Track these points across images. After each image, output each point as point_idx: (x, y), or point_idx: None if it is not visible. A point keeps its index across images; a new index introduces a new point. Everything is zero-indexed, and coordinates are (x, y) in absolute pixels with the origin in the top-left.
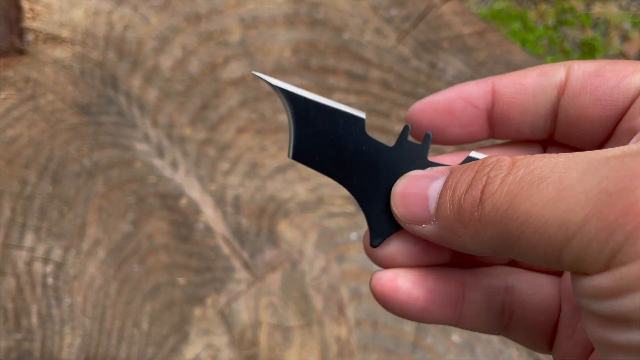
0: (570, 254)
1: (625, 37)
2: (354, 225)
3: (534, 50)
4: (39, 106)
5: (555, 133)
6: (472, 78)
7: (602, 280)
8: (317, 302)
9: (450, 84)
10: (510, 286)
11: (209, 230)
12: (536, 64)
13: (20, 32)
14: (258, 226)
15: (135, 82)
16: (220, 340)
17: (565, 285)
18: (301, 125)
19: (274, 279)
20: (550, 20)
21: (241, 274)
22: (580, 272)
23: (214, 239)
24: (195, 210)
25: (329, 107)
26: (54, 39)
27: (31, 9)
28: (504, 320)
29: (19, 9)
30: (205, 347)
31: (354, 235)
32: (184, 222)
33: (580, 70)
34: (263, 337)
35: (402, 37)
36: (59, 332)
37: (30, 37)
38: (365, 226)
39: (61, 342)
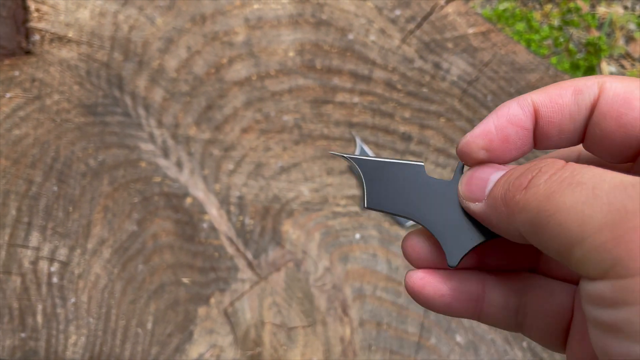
0: (579, 252)
1: (630, 38)
2: (358, 225)
3: (539, 50)
4: (45, 106)
5: (584, 143)
6: (476, 79)
7: (603, 288)
8: (321, 302)
9: (454, 84)
10: (526, 289)
11: (213, 230)
12: (541, 64)
13: (27, 33)
14: (262, 226)
15: (141, 83)
16: (224, 340)
17: (579, 295)
18: (371, 180)
19: (278, 279)
20: (556, 21)
21: (245, 274)
22: (583, 273)
23: (218, 239)
24: (200, 210)
25: (395, 163)
26: (60, 40)
27: (37, 10)
28: (519, 319)
29: (25, 9)
30: (209, 347)
31: (358, 236)
32: (188, 221)
33: (612, 90)
34: (267, 337)
35: (407, 37)
36: (64, 331)
37: (36, 37)
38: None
39: (66, 341)
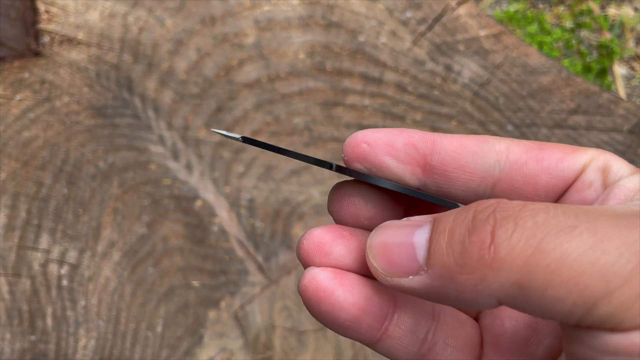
0: (608, 307)
1: None
2: None
3: (551, 53)
4: (55, 108)
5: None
6: (487, 81)
7: None
8: None
9: (465, 86)
10: (437, 314)
11: (223, 232)
12: (553, 67)
13: (36, 34)
14: (272, 229)
15: (151, 85)
16: (234, 343)
17: (491, 332)
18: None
19: (289, 283)
20: (567, 23)
21: (255, 277)
22: (610, 326)
23: (228, 241)
24: (210, 212)
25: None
26: (70, 41)
27: (47, 11)
28: (424, 349)
29: (35, 11)
30: (219, 351)
31: None
32: (198, 224)
33: (521, 144)
34: (277, 341)
35: (418, 39)
36: (74, 334)
37: (46, 39)
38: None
39: (76, 344)
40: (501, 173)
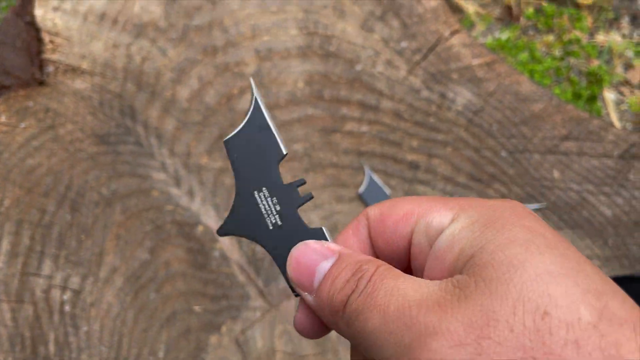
0: None
1: (628, 65)
2: None
3: (542, 80)
4: (59, 136)
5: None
6: (481, 108)
7: None
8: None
9: (460, 114)
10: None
11: (224, 258)
12: (544, 94)
13: (41, 64)
14: None
15: (153, 113)
16: None
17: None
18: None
19: (289, 307)
20: (557, 51)
21: (256, 301)
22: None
23: (229, 267)
24: (211, 238)
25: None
26: (74, 71)
27: (51, 42)
28: None
29: (39, 41)
30: None
31: None
32: (200, 250)
33: (373, 210)
34: None
35: (413, 68)
36: None
37: (50, 68)
38: None
39: None
40: (371, 233)
